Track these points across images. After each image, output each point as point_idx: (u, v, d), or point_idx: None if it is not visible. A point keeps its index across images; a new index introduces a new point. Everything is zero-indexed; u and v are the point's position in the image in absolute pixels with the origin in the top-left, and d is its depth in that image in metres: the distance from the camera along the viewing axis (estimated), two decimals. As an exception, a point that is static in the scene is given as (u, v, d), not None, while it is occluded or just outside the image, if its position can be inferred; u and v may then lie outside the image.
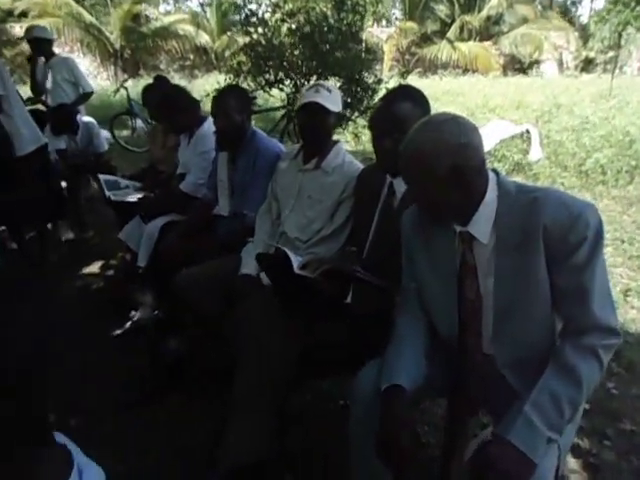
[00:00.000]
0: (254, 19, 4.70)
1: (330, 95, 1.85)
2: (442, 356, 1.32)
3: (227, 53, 17.97)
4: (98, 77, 17.67)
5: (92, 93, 4.50)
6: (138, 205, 2.72)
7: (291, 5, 4.89)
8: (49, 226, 3.89)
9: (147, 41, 17.08)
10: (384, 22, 19.87)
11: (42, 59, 4.29)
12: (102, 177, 2.96)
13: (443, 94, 10.68)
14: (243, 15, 4.64)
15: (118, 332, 2.50)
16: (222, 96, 2.14)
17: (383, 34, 17.98)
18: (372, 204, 1.67)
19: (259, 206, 2.13)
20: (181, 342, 2.12)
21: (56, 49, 13.36)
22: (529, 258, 1.13)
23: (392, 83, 4.89)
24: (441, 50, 16.81)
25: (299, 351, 1.44)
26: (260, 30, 4.80)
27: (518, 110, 8.50)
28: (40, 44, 4.21)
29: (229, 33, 16.08)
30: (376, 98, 4.67)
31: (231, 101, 2.11)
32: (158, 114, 2.95)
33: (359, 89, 4.78)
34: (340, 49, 4.68)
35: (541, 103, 8.63)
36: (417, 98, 1.50)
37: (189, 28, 17.45)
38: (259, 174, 2.15)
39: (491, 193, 1.18)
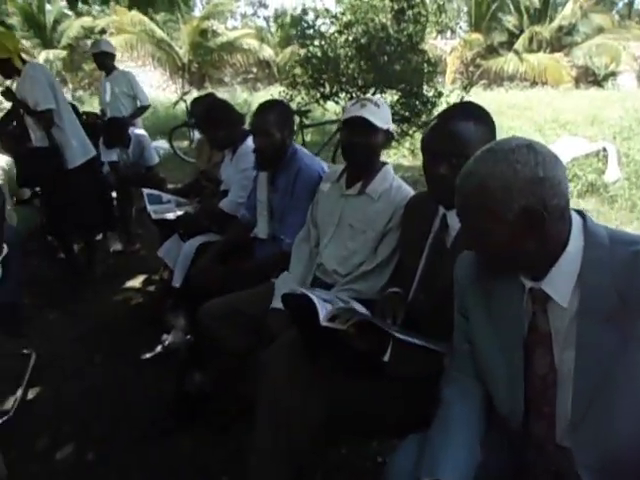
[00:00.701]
0: (311, 31, 4.58)
1: (378, 110, 1.64)
2: (501, 440, 1.05)
3: (289, 66, 18.26)
4: (166, 90, 18.44)
5: (149, 106, 4.56)
6: (177, 222, 2.62)
7: (350, 17, 4.73)
8: (99, 237, 3.93)
9: (213, 55, 17.66)
10: (448, 34, 19.40)
11: (103, 73, 4.39)
12: (145, 191, 2.89)
13: (509, 108, 10.13)
14: (300, 28, 4.54)
15: (148, 356, 2.39)
16: (261, 112, 1.98)
17: (447, 46, 17.53)
18: (421, 238, 1.42)
19: (297, 232, 1.95)
20: (206, 375, 1.95)
21: (130, 63, 13.99)
22: (625, 330, 0.86)
23: (454, 96, 4.61)
24: (507, 62, 16.11)
25: (326, 413, 1.21)
26: (317, 42, 4.67)
27: (593, 126, 7.86)
28: (104, 58, 4.31)
29: (291, 47, 16.32)
30: (435, 112, 4.39)
31: (270, 117, 1.95)
32: (203, 128, 2.85)
33: (418, 103, 4.52)
34: (399, 61, 4.45)
35: (619, 118, 7.93)
36: (480, 117, 1.26)
37: (254, 42, 17.86)
38: (298, 197, 1.97)
39: (575, 242, 0.91)
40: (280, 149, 1.99)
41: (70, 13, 18.83)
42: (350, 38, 4.47)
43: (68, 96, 15.95)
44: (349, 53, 4.31)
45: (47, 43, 16.07)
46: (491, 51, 17.60)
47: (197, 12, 19.41)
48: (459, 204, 0.96)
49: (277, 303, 1.74)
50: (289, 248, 1.95)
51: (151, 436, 1.87)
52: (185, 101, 7.83)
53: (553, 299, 0.93)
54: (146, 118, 11.08)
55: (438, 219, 1.37)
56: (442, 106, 4.41)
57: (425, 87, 4.51)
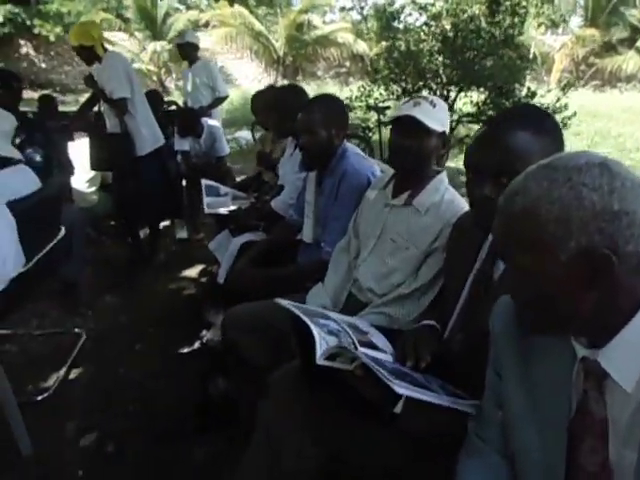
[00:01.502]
0: (395, 23, 4.33)
1: (433, 110, 1.42)
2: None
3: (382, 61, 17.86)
4: (261, 82, 18.96)
5: (226, 98, 4.59)
6: (229, 217, 2.57)
7: (439, 7, 4.40)
8: (166, 224, 4.04)
9: (308, 48, 17.79)
10: (560, 29, 17.86)
11: (185, 63, 4.50)
12: (204, 182, 2.88)
13: (622, 111, 9.05)
14: (384, 19, 4.31)
15: (185, 350, 2.36)
16: (307, 108, 1.82)
17: (557, 42, 16.14)
18: (467, 266, 1.19)
19: (338, 240, 1.77)
20: (230, 382, 1.86)
21: (228, 55, 14.48)
22: None
23: (550, 97, 4.13)
24: (627, 61, 14.46)
25: (323, 458, 1.04)
26: (401, 35, 4.42)
27: None
28: (188, 48, 4.41)
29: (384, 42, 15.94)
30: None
31: (316, 114, 1.78)
32: (265, 120, 2.76)
33: (507, 103, 4.11)
34: (490, 56, 4.07)
35: None
36: (542, 125, 1.00)
37: (348, 36, 17.72)
38: (342, 202, 1.79)
39: (649, 307, 0.66)
40: (326, 149, 1.83)
41: (180, 7, 20.04)
42: (438, 31, 4.16)
43: (171, 85, 17.01)
44: (435, 47, 4.01)
45: (157, 35, 17.12)
46: (608, 48, 15.91)
47: (296, 6, 19.66)
48: (498, 231, 0.73)
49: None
50: (328, 257, 1.79)
51: (169, 437, 1.81)
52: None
53: (612, 378, 0.68)
54: (236, 109, 11.50)
55: (486, 247, 1.13)
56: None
57: (517, 86, 4.07)
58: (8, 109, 2.75)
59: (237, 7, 15.96)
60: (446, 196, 1.47)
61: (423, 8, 4.44)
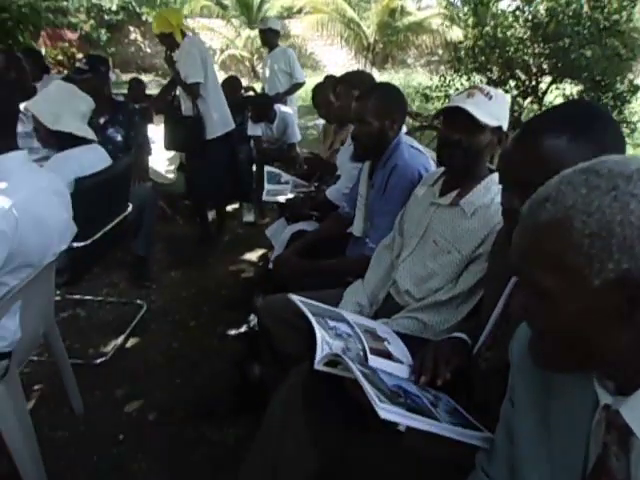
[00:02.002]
0: (484, 9, 4.05)
1: (489, 103, 1.30)
2: None
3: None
4: (350, 68, 18.85)
5: (303, 84, 4.59)
6: (285, 205, 2.58)
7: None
8: (235, 206, 4.16)
9: (399, 35, 17.33)
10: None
11: (266, 49, 4.56)
12: (267, 169, 2.91)
13: None
14: (472, 4, 4.05)
15: (232, 332, 2.41)
16: (361, 96, 1.75)
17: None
18: (505, 278, 1.07)
19: (383, 236, 1.70)
20: (266, 369, 1.87)
21: (319, 42, 14.57)
22: None
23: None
24: None
25: (319, 468, 1.00)
26: (491, 22, 4.13)
27: None
28: (269, 35, 4.46)
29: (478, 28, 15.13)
30: (627, 111, 3.54)
31: (370, 103, 1.70)
32: (327, 112, 2.72)
33: (605, 97, 3.70)
34: (590, 45, 3.68)
35: None
36: (585, 127, 0.85)
37: (442, 23, 17.00)
38: (390, 197, 1.71)
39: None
40: (379, 140, 1.75)
41: (275, -6, 20.39)
42: (529, 16, 3.82)
43: (260, 70, 17.45)
44: (525, 34, 3.69)
45: (251, 22, 17.61)
46: None
47: (391, -9, 19.18)
48: (517, 243, 0.61)
49: (339, 314, 1.56)
50: (372, 253, 1.72)
51: (204, 413, 1.87)
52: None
53: (636, 435, 0.57)
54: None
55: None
56: (638, 103, 3.53)
57: (618, 79, 3.64)
58: (96, 92, 2.98)
59: (331, -7, 15.92)
60: (497, 199, 1.33)
61: (516, -8, 4.11)
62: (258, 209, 4.02)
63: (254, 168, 4.03)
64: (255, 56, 17.24)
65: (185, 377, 2.14)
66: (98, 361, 2.22)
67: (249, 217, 4.02)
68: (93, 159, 2.08)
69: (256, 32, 16.10)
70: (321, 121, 8.03)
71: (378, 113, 1.71)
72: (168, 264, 3.24)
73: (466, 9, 15.09)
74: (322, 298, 1.66)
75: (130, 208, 2.45)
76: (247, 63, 17.35)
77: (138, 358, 2.28)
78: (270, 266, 2.37)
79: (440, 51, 18.88)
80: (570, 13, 3.53)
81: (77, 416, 1.90)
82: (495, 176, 1.39)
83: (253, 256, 3.42)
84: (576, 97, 3.94)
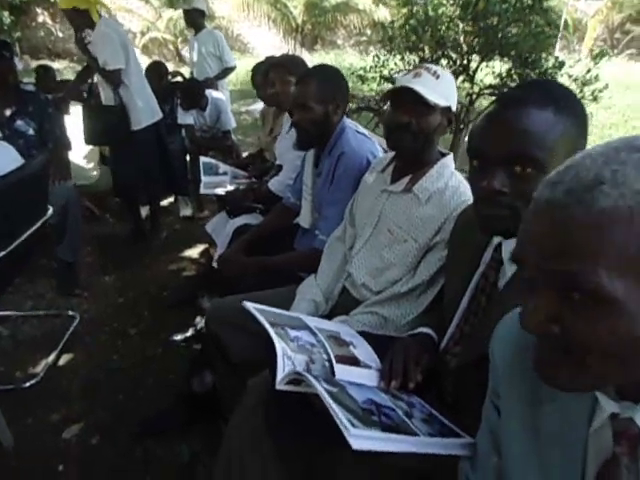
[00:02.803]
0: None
1: (437, 82, 1.24)
2: None
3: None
4: (279, 51, 18.49)
5: (234, 68, 4.38)
6: (225, 198, 2.42)
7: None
8: (171, 200, 3.92)
9: (327, 16, 17.18)
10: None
11: (192, 31, 4.29)
12: (202, 160, 2.74)
13: (658, 83, 8.50)
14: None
15: (177, 338, 2.26)
16: (302, 81, 1.63)
17: (590, 8, 15.23)
18: (468, 268, 1.02)
19: (333, 228, 1.62)
20: (216, 376, 1.75)
21: (245, 23, 14.09)
22: None
23: (580, 67, 3.82)
24: (668, 27, 13.58)
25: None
26: (421, 0, 4.11)
27: None
28: (194, 15, 4.18)
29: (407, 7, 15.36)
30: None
31: (311, 87, 1.60)
32: (265, 94, 2.57)
33: (533, 74, 3.81)
34: (515, 23, 3.76)
35: None
36: (566, 102, 0.81)
37: (369, 2, 17.04)
38: (338, 186, 1.63)
39: None
40: (322, 126, 1.65)
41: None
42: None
43: (187, 53, 16.70)
44: (454, 12, 3.71)
45: (173, 2, 16.72)
46: (646, 14, 14.97)
47: (316, -29, 18.91)
48: (551, 236, 0.48)
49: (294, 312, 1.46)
50: (322, 246, 1.64)
51: (153, 430, 1.73)
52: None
53: None
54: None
55: (491, 248, 0.96)
56: (563, 79, 3.67)
57: (544, 55, 3.76)
58: (2, 78, 2.64)
59: (255, -27, 15.45)
60: (451, 182, 1.29)
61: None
62: (195, 202, 3.82)
63: (188, 159, 3.81)
64: (179, 39, 16.44)
65: (128, 392, 1.97)
66: (27, 384, 1.99)
67: (186, 211, 3.81)
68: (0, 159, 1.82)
69: (179, 13, 15.34)
70: (255, 106, 7.77)
71: (321, 98, 1.60)
72: (100, 268, 2.99)
73: (392, -11, 15.14)
74: (274, 298, 1.57)
75: (50, 211, 2.19)
76: (171, 46, 16.54)
77: (73, 376, 2.07)
78: (214, 264, 2.23)
79: (369, 31, 18.99)
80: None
81: (6, 449, 1.69)
82: (447, 160, 1.35)
83: (194, 252, 3.24)
84: (505, 75, 4.03)
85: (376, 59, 4.30)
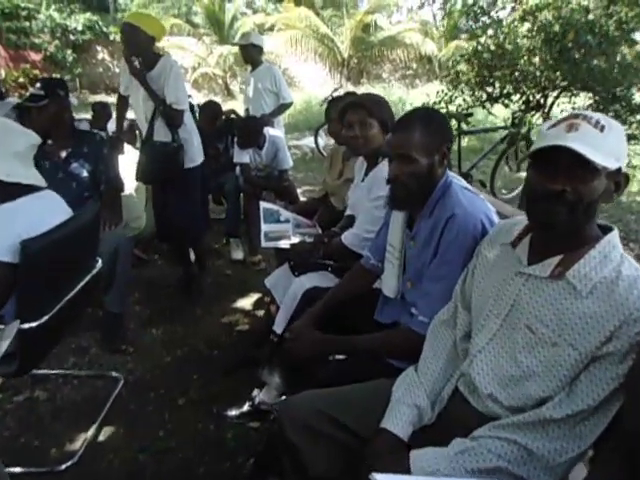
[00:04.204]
0: (485, 18, 3.76)
1: (602, 136, 0.93)
2: None
3: (452, 62, 17.15)
4: (324, 85, 18.65)
5: (291, 104, 4.22)
6: (290, 251, 2.15)
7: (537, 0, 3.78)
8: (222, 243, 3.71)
9: (373, 50, 17.30)
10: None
11: (249, 67, 4.17)
12: (263, 205, 2.48)
13: None
14: (472, 14, 3.74)
15: (232, 413, 1.96)
16: (402, 126, 1.35)
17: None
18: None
19: (437, 308, 1.30)
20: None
21: (293, 58, 14.35)
22: None
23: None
24: None
25: None
26: (491, 32, 3.84)
27: None
28: (252, 51, 4.07)
29: (456, 41, 15.32)
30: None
31: (415, 135, 1.31)
32: (338, 132, 2.32)
33: (621, 109, 3.44)
34: (601, 56, 3.41)
35: None
36: None
37: (416, 37, 17.04)
38: (447, 257, 1.31)
39: None
40: (426, 181, 1.35)
41: (247, 11, 20.18)
42: (535, 27, 3.54)
43: (236, 88, 17.06)
44: (532, 45, 3.39)
45: (223, 39, 17.28)
46: None
47: (362, 7, 19.18)
48: None
49: (389, 422, 1.14)
50: (422, 329, 1.32)
51: None
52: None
53: None
54: (299, 113, 11.18)
55: None
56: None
57: (634, 90, 3.38)
58: (55, 120, 2.52)
59: (303, 10, 15.87)
60: (625, 270, 0.95)
61: (517, 1, 3.83)
62: (248, 245, 3.58)
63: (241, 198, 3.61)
64: (228, 74, 16.90)
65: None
66: (63, 466, 1.73)
67: (237, 254, 3.57)
68: (44, 211, 1.61)
69: (230, 49, 15.87)
70: (304, 142, 7.62)
71: (426, 147, 1.31)
72: (147, 319, 2.76)
73: (438, 22, 15.03)
74: (360, 396, 1.26)
75: (99, 263, 1.98)
76: (220, 81, 17.00)
77: (114, 457, 1.80)
78: (277, 329, 1.96)
79: (414, 65, 18.98)
80: (582, 20, 3.26)
81: None
82: (612, 236, 1.01)
83: (247, 303, 2.97)
84: (587, 109, 3.66)
85: (443, 94, 4.01)
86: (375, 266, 1.71)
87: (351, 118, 1.90)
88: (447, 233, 1.30)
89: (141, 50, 2.58)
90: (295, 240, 2.21)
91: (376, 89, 16.22)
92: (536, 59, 3.39)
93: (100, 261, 1.98)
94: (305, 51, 17.45)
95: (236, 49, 15.63)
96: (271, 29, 17.51)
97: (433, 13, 19.16)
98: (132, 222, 3.18)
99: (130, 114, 3.03)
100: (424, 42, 17.29)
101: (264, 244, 2.22)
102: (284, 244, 2.18)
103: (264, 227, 2.34)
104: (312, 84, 16.70)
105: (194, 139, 2.78)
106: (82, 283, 1.80)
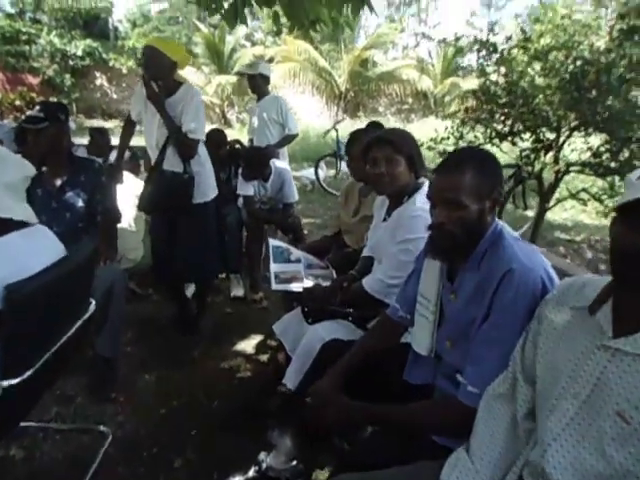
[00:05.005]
0: (496, 56, 3.70)
1: None
2: None
3: (447, 98, 17.51)
4: (321, 116, 18.82)
5: (296, 136, 4.11)
6: (302, 295, 1.97)
7: (549, 40, 3.75)
8: (221, 276, 3.51)
9: (370, 84, 17.58)
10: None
11: (247, 97, 4.08)
12: (272, 243, 2.32)
13: None
14: (484, 51, 3.69)
15: (237, 481, 1.73)
16: (449, 167, 1.20)
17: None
18: None
19: (489, 378, 1.11)
20: None
21: (290, 90, 14.45)
22: None
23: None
24: None
25: None
26: (503, 70, 3.78)
27: None
28: (260, 81, 3.98)
29: (451, 78, 15.65)
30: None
31: (466, 178, 1.16)
32: (359, 168, 2.17)
33: (638, 151, 3.37)
34: (617, 97, 3.34)
35: None
36: None
37: (413, 73, 17.37)
38: (501, 319, 1.13)
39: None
40: (475, 230, 1.19)
41: (246, 43, 20.52)
42: (547, 65, 3.49)
43: (233, 117, 17.15)
44: (551, 84, 3.32)
45: (222, 69, 17.47)
46: None
47: (360, 43, 19.60)
48: None
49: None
50: (472, 401, 1.13)
51: None
52: (337, 130, 7.46)
53: None
54: (297, 143, 11.15)
55: None
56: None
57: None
58: (54, 145, 2.36)
59: (302, 43, 16.12)
60: None
61: (527, 39, 3.79)
62: (249, 281, 3.38)
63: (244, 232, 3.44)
64: (225, 103, 17.00)
65: None
66: None
67: (238, 291, 3.37)
68: (33, 250, 1.41)
69: (227, 79, 16.00)
70: (303, 172, 7.51)
71: (478, 192, 1.16)
72: (140, 362, 2.53)
73: (434, 60, 15.27)
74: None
75: (93, 306, 1.78)
76: (217, 110, 17.08)
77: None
78: (289, 384, 1.76)
79: (410, 100, 19.28)
80: (602, 60, 3.21)
81: None
82: None
83: (248, 345, 2.76)
84: (601, 151, 3.59)
85: (452, 130, 3.93)
86: (404, 318, 1.53)
87: (377, 154, 1.75)
88: (503, 291, 1.13)
89: (162, 75, 2.44)
90: (308, 283, 2.03)
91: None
92: (554, 98, 3.31)
93: (93, 302, 1.78)
94: (303, 83, 17.67)
95: (234, 79, 15.82)
96: (270, 61, 17.76)
97: (429, 50, 19.67)
98: (129, 254, 2.99)
99: (132, 141, 2.87)
100: (420, 78, 17.63)
101: (275, 287, 2.03)
102: (296, 287, 2.00)
103: (274, 267, 2.16)
104: (309, 116, 16.82)
105: (207, 172, 2.63)
106: (73, 329, 1.60)
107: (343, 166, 7.35)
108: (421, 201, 1.71)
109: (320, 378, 1.50)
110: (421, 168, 1.82)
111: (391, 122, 16.37)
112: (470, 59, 4.19)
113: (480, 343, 1.16)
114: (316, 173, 7.06)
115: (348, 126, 10.29)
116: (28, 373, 1.36)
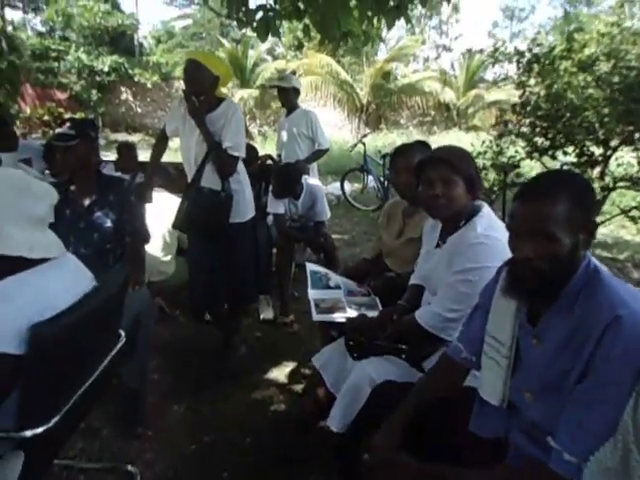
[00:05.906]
0: (537, 67, 3.53)
1: None
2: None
3: (470, 110, 17.33)
4: (342, 129, 18.77)
5: (327, 150, 3.98)
6: (345, 326, 1.81)
7: (593, 49, 3.57)
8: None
9: (392, 97, 17.48)
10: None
11: (284, 111, 3.97)
12: (309, 267, 2.17)
13: None
14: (525, 61, 3.53)
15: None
16: (540, 192, 1.03)
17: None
18: None
19: (591, 445, 0.93)
20: None
21: (312, 103, 14.41)
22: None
23: None
24: None
25: None
26: (547, 81, 3.60)
27: None
28: (291, 94, 3.87)
29: (475, 90, 15.44)
30: None
31: (560, 208, 0.99)
32: (405, 185, 2.01)
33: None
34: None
35: None
36: None
37: (435, 85, 17.23)
38: (605, 375, 0.95)
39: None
40: (566, 266, 1.02)
41: (268, 57, 20.70)
42: (595, 76, 3.30)
43: (255, 131, 17.22)
44: (602, 95, 3.13)
45: (244, 83, 17.61)
46: None
47: (381, 56, 19.58)
48: None
49: None
50: (569, 472, 0.95)
51: None
52: (364, 144, 7.32)
53: None
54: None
55: None
56: None
57: None
58: (84, 163, 2.27)
59: (323, 56, 16.16)
60: None
61: (569, 49, 3.61)
62: (279, 303, 3.24)
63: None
64: (247, 116, 17.08)
65: None
66: None
67: (268, 313, 3.22)
68: (61, 285, 1.28)
69: (249, 92, 16.09)
70: (331, 188, 7.36)
71: (573, 223, 0.99)
72: (169, 391, 2.40)
73: (457, 72, 15.14)
74: None
75: (123, 337, 1.65)
76: (240, 124, 17.14)
77: None
78: (333, 427, 1.59)
79: (432, 112, 19.11)
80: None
81: None
82: None
83: (281, 374, 2.60)
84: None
85: (489, 144, 3.75)
86: (468, 360, 1.35)
87: (432, 175, 1.59)
88: (609, 342, 0.95)
89: (204, 90, 2.33)
90: (352, 313, 1.86)
91: (394, 134, 16.27)
92: (605, 110, 3.12)
93: (123, 334, 1.65)
94: (324, 96, 17.67)
95: (256, 93, 15.90)
96: (293, 74, 17.84)
97: (452, 62, 19.51)
98: (160, 266, 2.87)
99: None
100: (443, 90, 17.48)
101: (316, 317, 1.87)
102: (339, 317, 1.84)
103: (312, 294, 2.01)
104: (331, 129, 16.78)
105: (246, 191, 2.52)
106: (101, 367, 1.47)
107: (370, 180, 7.19)
108: (482, 226, 1.54)
109: (371, 424, 1.34)
110: (479, 189, 1.65)
111: (414, 135, 16.23)
112: (496, 71, 3.99)
113: (578, 404, 0.98)
114: (342, 187, 6.92)
115: (371, 140, 10.17)
116: (54, 420, 1.23)
